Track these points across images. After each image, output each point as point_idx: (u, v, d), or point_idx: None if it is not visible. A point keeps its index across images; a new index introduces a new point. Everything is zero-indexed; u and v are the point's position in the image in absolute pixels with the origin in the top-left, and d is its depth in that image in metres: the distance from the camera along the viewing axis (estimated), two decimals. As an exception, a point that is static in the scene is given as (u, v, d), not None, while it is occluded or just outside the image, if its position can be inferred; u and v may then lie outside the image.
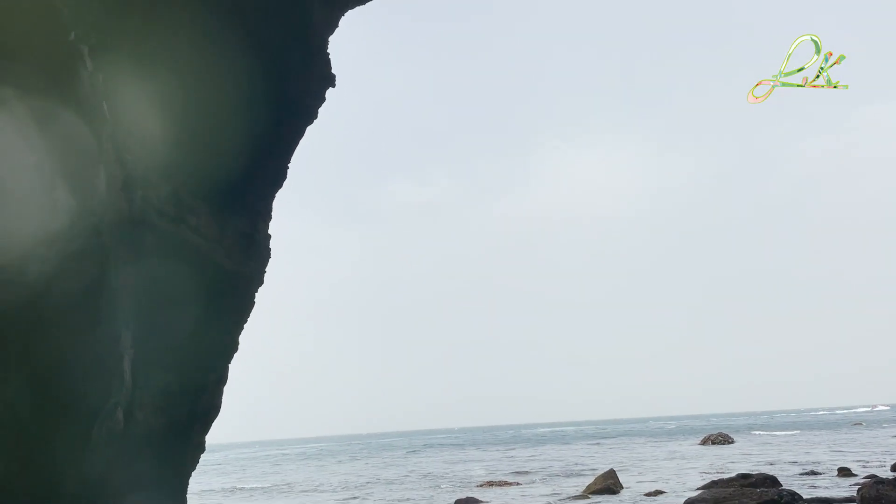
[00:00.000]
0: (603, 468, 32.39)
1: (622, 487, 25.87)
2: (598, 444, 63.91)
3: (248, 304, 15.45)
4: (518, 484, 31.73)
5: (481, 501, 23.67)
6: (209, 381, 14.69)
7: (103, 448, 10.98)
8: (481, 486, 31.35)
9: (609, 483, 26.25)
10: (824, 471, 28.38)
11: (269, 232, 15.82)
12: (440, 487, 31.56)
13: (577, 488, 26.94)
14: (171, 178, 11.85)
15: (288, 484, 35.85)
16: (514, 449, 62.97)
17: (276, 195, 15.58)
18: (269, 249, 15.82)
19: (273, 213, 15.80)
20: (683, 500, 19.34)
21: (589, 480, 28.12)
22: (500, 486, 31.48)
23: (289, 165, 15.34)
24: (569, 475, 34.23)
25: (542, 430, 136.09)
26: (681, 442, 57.34)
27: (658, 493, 23.23)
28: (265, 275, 15.80)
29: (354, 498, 28.33)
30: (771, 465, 31.77)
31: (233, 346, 15.47)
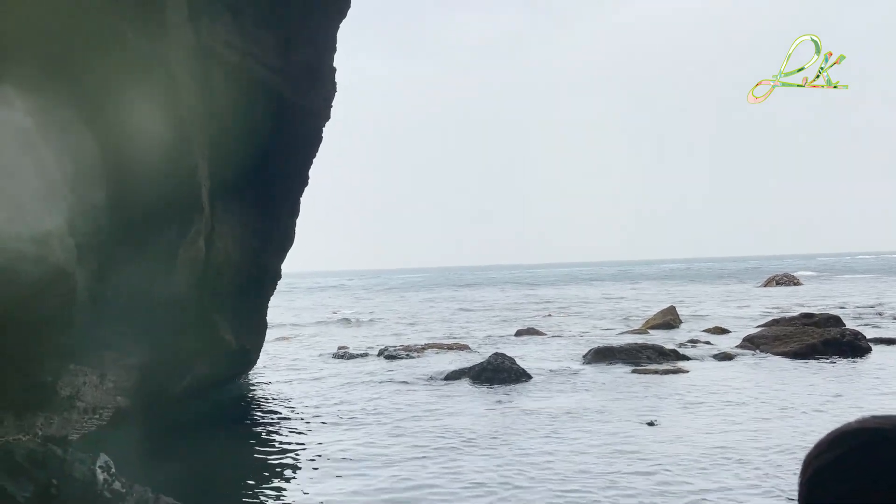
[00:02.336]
0: (656, 305, 33.00)
1: (681, 323, 26.41)
2: (638, 284, 63.66)
3: (315, 139, 15.62)
4: (577, 315, 32.86)
5: (542, 332, 24.68)
6: (283, 212, 15.27)
7: (188, 273, 11.78)
8: (544, 317, 32.57)
9: (668, 319, 26.72)
10: (891, 312, 28.23)
11: (335, 65, 15.59)
12: (499, 319, 32.78)
13: (631, 324, 27.59)
14: (234, 6, 11.62)
15: (336, 315, 37.70)
16: (568, 287, 63.84)
17: (340, 26, 15.17)
18: (335, 83, 15.66)
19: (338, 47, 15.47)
20: (743, 336, 19.70)
21: (646, 316, 28.76)
22: (561, 316, 32.65)
23: (351, -8, 14.78)
24: (624, 310, 34.99)
25: (566, 269, 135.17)
26: (740, 284, 56.93)
27: (718, 329, 23.61)
28: (331, 109, 15.80)
29: (412, 325, 29.94)
30: (841, 308, 31.22)
31: (303, 180, 15.87)
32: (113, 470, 5.81)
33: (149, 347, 11.26)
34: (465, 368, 14.86)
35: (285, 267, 16.56)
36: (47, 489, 5.46)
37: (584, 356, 17.58)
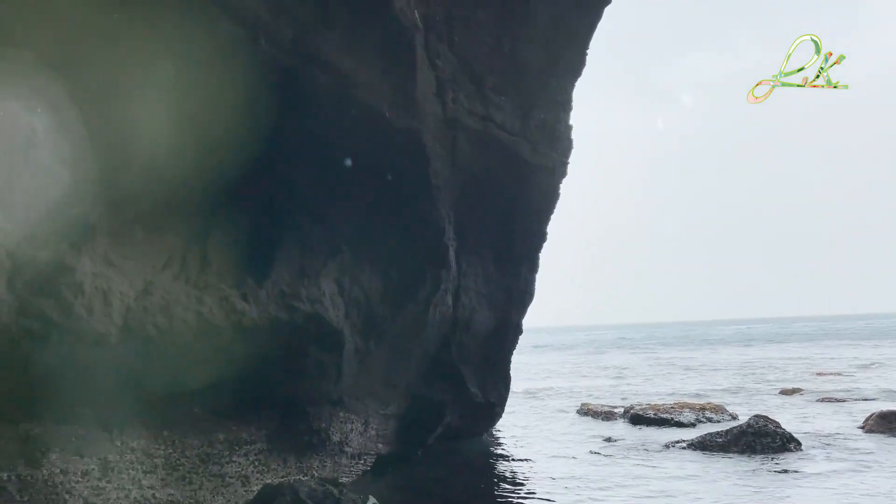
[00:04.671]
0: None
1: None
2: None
3: (552, 195, 15.84)
4: (848, 375, 29.11)
5: (807, 392, 22.19)
6: (523, 267, 15.59)
7: (437, 327, 12.45)
8: (811, 375, 29.44)
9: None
10: None
11: (571, 123, 15.81)
12: (753, 377, 30.25)
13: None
14: (476, 76, 12.35)
15: (573, 370, 37.13)
16: (829, 343, 55.91)
17: (576, 84, 15.40)
18: (571, 140, 15.85)
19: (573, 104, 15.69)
20: None
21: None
22: (832, 375, 29.18)
23: (587, 51, 14.98)
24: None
25: (817, 324, 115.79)
26: None
27: None
28: (568, 166, 15.97)
29: (651, 381, 28.49)
30: None
31: (541, 236, 16.12)
32: (379, 513, 6.22)
33: (404, 398, 12.01)
34: (722, 431, 13.75)
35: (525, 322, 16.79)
36: (325, 527, 5.98)
37: (864, 421, 15.41)
